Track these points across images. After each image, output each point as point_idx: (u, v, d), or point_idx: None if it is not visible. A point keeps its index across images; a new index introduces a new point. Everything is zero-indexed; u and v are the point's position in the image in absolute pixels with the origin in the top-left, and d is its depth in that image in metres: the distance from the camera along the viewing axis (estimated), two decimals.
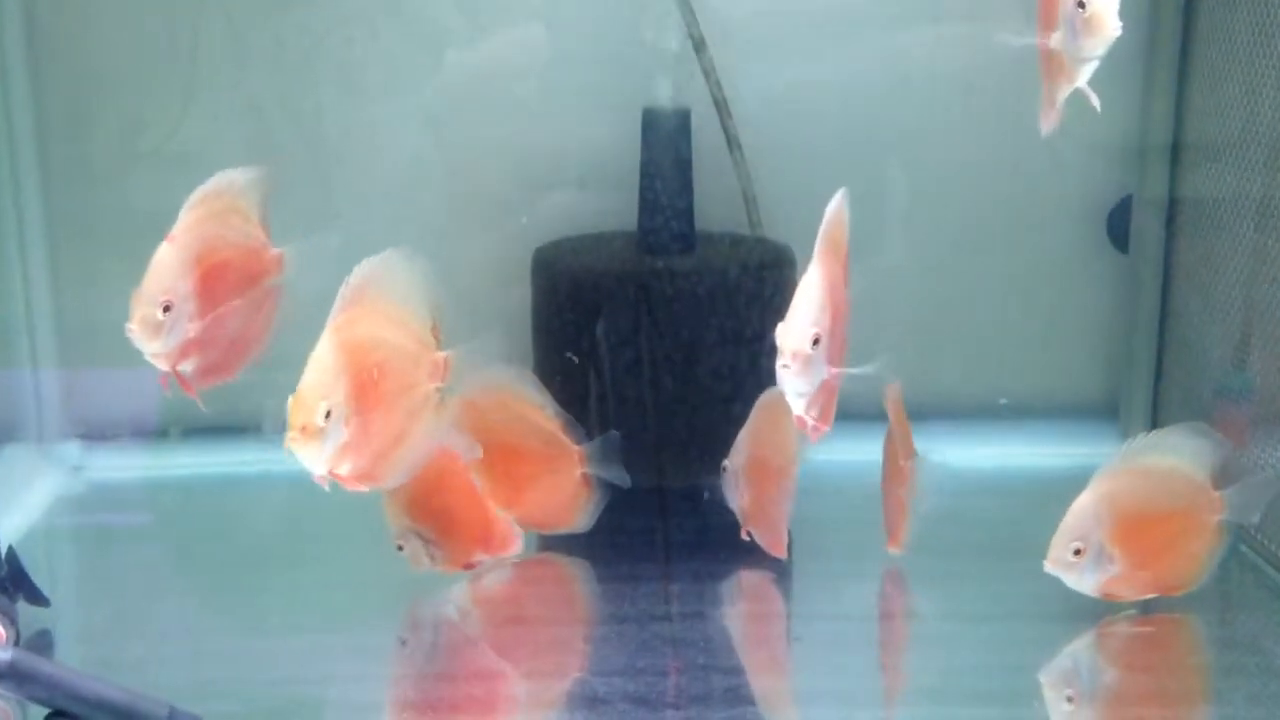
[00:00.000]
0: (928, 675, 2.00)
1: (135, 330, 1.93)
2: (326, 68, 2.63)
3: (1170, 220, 2.64)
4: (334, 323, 1.84)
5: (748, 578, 2.26)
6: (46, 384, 2.71)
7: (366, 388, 1.86)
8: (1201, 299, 2.53)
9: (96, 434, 2.70)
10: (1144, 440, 2.05)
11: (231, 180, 2.03)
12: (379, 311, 1.91)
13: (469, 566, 2.16)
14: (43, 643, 1.98)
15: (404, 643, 2.08)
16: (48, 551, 2.42)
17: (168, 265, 1.94)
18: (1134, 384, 2.72)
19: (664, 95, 2.50)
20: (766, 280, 2.40)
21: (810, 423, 1.93)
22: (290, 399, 1.79)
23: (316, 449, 1.80)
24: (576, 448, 2.19)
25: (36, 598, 2.01)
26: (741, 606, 2.24)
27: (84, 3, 2.61)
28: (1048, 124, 1.85)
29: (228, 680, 1.92)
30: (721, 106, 2.57)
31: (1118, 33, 1.69)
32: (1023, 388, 2.75)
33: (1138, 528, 2.01)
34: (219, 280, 2.00)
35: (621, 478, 2.19)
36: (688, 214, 2.49)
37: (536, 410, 2.19)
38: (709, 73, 2.55)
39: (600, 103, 2.61)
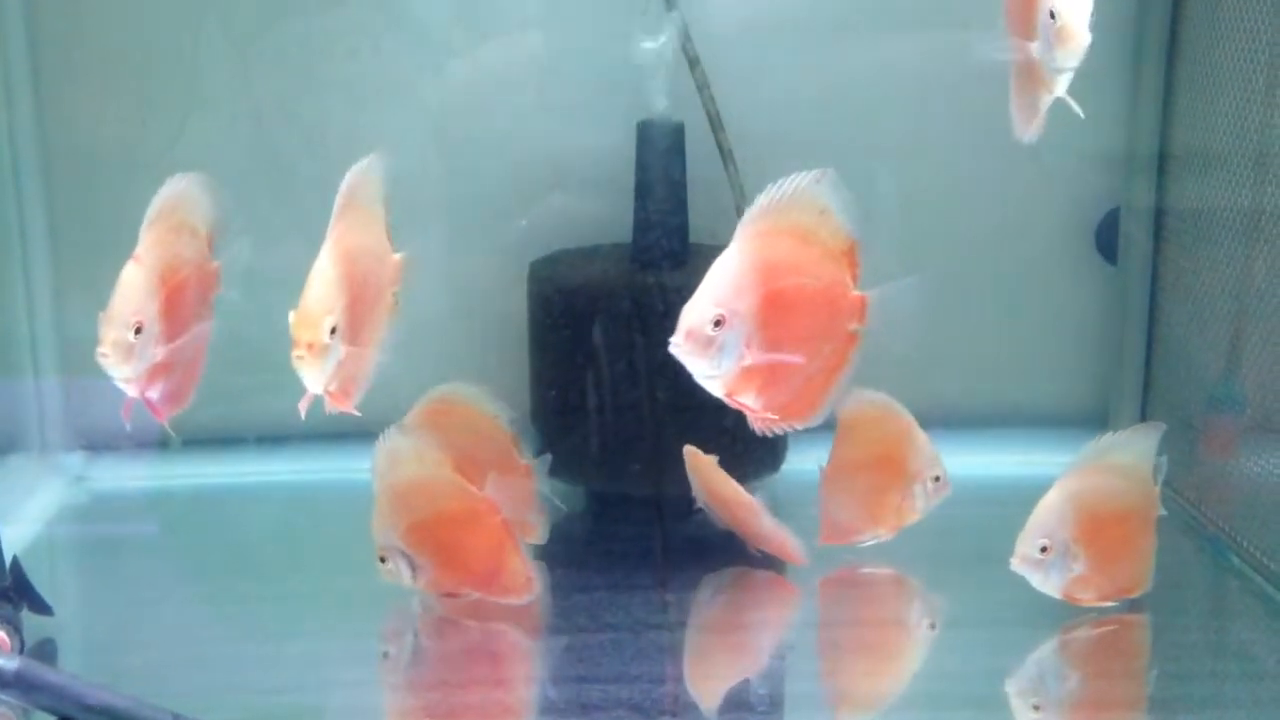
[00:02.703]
0: (925, 682, 2.01)
1: (108, 355, 1.84)
2: (328, 77, 2.64)
3: (1158, 231, 2.66)
4: (332, 234, 1.82)
5: (742, 586, 2.29)
6: (49, 394, 2.72)
7: (357, 301, 1.83)
8: (1189, 309, 2.54)
9: (99, 444, 2.71)
10: (1108, 440, 2.07)
11: (183, 191, 1.97)
12: (361, 219, 1.88)
13: (451, 596, 2.06)
14: (46, 652, 1.99)
15: (386, 655, 2.09)
16: (51, 561, 2.42)
17: (137, 285, 1.88)
18: (1123, 394, 2.74)
19: (658, 109, 2.52)
20: None
21: (754, 412, 1.76)
22: (293, 314, 1.76)
23: (320, 367, 1.77)
24: (524, 462, 2.19)
25: (40, 607, 2.01)
26: (736, 615, 2.26)
27: (87, 12, 2.63)
28: (1027, 132, 1.87)
29: (229, 688, 1.93)
30: (715, 120, 2.59)
31: (1088, 41, 1.71)
32: (1012, 397, 2.77)
33: (1101, 526, 2.02)
34: (179, 300, 1.94)
35: (559, 496, 2.19)
36: (681, 228, 2.51)
37: (489, 420, 2.18)
38: (703, 87, 2.56)
39: (596, 115, 2.62)
